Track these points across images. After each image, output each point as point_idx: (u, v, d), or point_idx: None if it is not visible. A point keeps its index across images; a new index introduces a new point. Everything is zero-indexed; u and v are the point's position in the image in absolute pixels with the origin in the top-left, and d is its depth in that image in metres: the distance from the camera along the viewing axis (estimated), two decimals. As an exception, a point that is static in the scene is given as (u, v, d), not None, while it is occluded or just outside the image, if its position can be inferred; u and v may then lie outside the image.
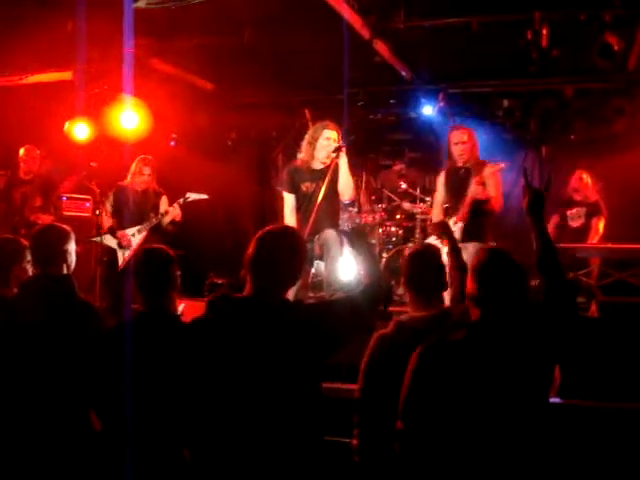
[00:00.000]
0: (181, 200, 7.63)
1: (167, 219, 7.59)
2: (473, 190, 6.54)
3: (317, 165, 6.50)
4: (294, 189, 6.55)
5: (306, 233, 6.15)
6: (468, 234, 6.49)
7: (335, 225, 6.47)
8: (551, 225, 8.16)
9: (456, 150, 6.79)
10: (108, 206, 7.75)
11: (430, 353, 3.01)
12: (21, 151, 8.29)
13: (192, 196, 7.68)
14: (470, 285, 3.06)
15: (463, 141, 6.75)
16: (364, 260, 3.37)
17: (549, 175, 3.37)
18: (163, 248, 3.72)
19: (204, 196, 7.75)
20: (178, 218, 7.61)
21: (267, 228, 3.19)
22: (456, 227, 6.46)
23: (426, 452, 2.94)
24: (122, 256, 7.50)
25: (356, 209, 9.36)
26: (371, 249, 3.43)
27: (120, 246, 7.52)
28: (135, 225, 7.61)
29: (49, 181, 8.45)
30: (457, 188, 6.78)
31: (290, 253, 3.14)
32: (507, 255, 3.10)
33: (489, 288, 3.01)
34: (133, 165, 7.75)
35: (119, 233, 7.56)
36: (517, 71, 8.34)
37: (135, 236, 7.55)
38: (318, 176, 6.42)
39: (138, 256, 3.71)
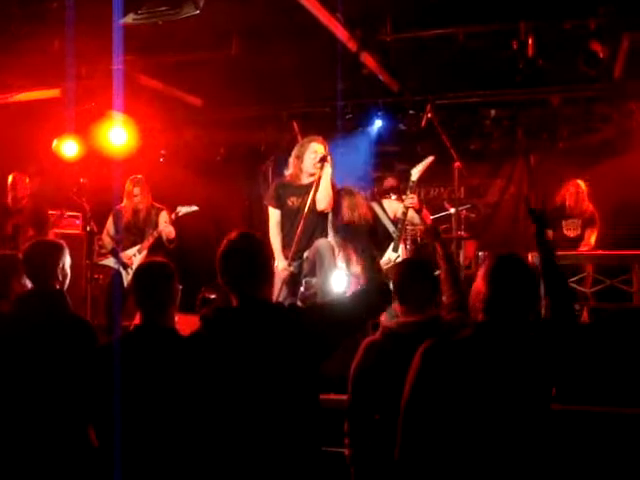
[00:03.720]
0: (173, 216, 7.68)
1: (163, 237, 7.64)
2: None
3: (305, 179, 6.54)
4: (280, 204, 6.58)
5: (292, 250, 6.22)
6: None
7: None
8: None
9: None
10: (110, 229, 7.82)
11: (434, 352, 3.00)
12: (9, 179, 8.26)
13: (182, 210, 7.72)
14: (480, 287, 3.06)
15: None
16: (360, 259, 3.38)
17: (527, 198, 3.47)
18: (163, 262, 3.67)
19: (195, 208, 7.79)
20: (172, 236, 7.65)
21: (224, 241, 3.18)
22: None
23: (428, 452, 2.92)
24: (127, 277, 7.53)
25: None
26: (369, 247, 3.42)
27: (124, 267, 7.56)
28: (135, 245, 7.66)
29: (40, 212, 8.41)
30: None
31: (252, 254, 3.13)
32: (521, 261, 3.13)
33: (499, 291, 3.02)
34: (125, 187, 7.81)
35: (122, 255, 7.60)
36: (504, 81, 8.38)
37: (136, 256, 7.61)
38: (304, 190, 6.44)
39: (138, 270, 3.66)
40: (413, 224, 6.53)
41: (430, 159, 6.39)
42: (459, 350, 2.99)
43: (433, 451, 2.91)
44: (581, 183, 8.35)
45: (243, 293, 3.07)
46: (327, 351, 3.10)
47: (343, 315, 3.13)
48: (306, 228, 6.30)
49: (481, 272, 3.12)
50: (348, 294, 4.04)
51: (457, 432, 2.90)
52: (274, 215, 6.61)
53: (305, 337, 3.00)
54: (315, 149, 6.47)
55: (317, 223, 6.48)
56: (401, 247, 6.29)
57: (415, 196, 6.27)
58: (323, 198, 6.38)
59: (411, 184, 6.31)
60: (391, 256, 6.23)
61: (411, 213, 6.27)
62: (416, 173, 6.33)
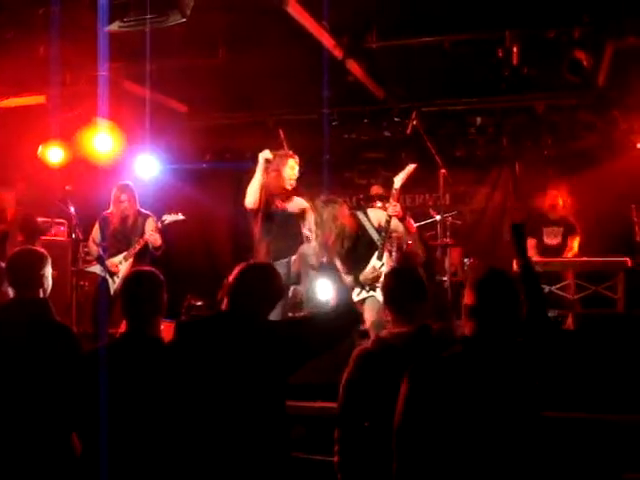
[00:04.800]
0: (159, 224, 7.64)
1: (149, 245, 7.60)
2: None
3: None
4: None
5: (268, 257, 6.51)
6: None
7: (297, 246, 6.62)
8: (530, 247, 8.24)
9: None
10: (96, 236, 7.76)
11: (424, 370, 3.01)
12: None
13: (168, 219, 7.68)
14: (468, 299, 3.08)
15: None
16: (333, 284, 3.46)
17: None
18: (152, 271, 3.67)
19: (180, 217, 7.75)
20: (157, 243, 7.61)
21: (249, 263, 3.43)
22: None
23: (424, 470, 2.92)
24: (112, 284, 7.50)
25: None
26: (338, 275, 3.55)
27: (111, 275, 7.53)
28: (122, 252, 7.61)
29: (29, 219, 8.38)
30: None
31: (265, 287, 3.35)
32: (504, 273, 3.16)
33: (486, 303, 3.03)
34: (112, 193, 7.76)
35: (108, 262, 7.56)
36: (489, 89, 8.43)
37: (122, 264, 7.55)
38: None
39: (127, 278, 3.65)
40: (397, 232, 6.53)
41: (412, 167, 6.40)
42: (450, 367, 3.00)
43: (429, 471, 2.91)
44: (559, 191, 8.50)
45: (235, 306, 3.15)
46: (294, 366, 3.26)
47: (313, 335, 3.29)
48: (283, 237, 6.55)
49: (468, 284, 3.14)
50: (321, 312, 4.14)
51: (454, 450, 2.90)
52: None
53: (273, 350, 3.13)
54: (292, 165, 6.86)
55: (291, 232, 6.77)
56: (385, 255, 6.30)
57: (398, 204, 6.30)
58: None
59: (393, 192, 6.34)
60: (375, 264, 6.23)
61: (395, 222, 6.29)
62: (399, 181, 6.34)
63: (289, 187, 6.81)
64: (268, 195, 6.75)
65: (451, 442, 2.90)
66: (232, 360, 3.03)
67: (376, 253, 6.26)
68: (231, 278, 3.30)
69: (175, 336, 3.23)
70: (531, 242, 8.34)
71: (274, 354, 3.10)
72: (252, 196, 6.74)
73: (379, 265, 6.21)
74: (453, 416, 2.91)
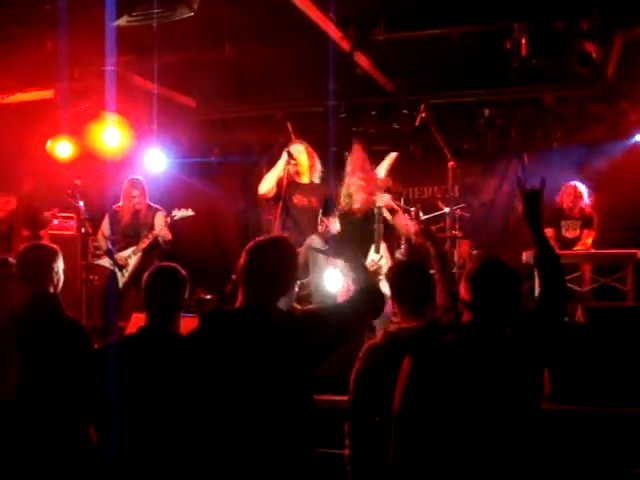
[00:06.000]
0: (168, 219, 7.68)
1: (159, 239, 7.65)
2: None
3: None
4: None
5: None
6: None
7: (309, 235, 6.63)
8: (549, 238, 8.22)
9: None
10: (105, 230, 7.81)
11: (422, 356, 3.03)
12: None
13: (178, 214, 7.72)
14: (463, 290, 3.08)
15: None
16: (352, 268, 3.40)
17: (543, 180, 3.36)
18: (176, 267, 3.63)
19: (190, 213, 7.79)
20: (168, 238, 7.68)
21: (257, 239, 3.22)
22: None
23: (419, 456, 2.93)
24: (121, 277, 7.55)
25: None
26: (358, 256, 3.46)
27: (119, 268, 7.57)
28: (131, 246, 7.66)
29: (34, 212, 8.42)
30: None
31: (280, 263, 3.15)
32: (501, 262, 3.14)
33: (482, 293, 3.04)
34: (123, 188, 7.82)
35: (117, 255, 7.61)
36: (497, 80, 8.39)
37: (131, 257, 7.62)
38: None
39: (150, 273, 3.60)
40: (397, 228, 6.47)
41: (393, 155, 6.40)
42: (444, 352, 3.01)
43: (425, 455, 2.92)
44: (579, 185, 8.42)
45: (252, 295, 3.10)
46: (321, 356, 3.13)
47: (338, 322, 3.15)
48: (296, 225, 6.68)
49: (463, 276, 3.14)
50: (342, 298, 4.06)
51: (448, 436, 2.91)
52: None
53: (299, 342, 3.02)
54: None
55: (306, 220, 6.80)
56: (382, 248, 6.24)
57: (386, 195, 6.25)
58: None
59: (379, 183, 6.30)
60: (374, 258, 6.17)
61: (388, 214, 6.27)
62: (382, 171, 6.31)
63: (308, 181, 6.94)
64: (288, 188, 6.77)
65: (445, 427, 2.92)
66: (257, 352, 2.98)
67: (373, 246, 6.22)
68: (241, 261, 3.16)
69: (199, 327, 3.18)
70: (549, 232, 8.31)
71: (299, 343, 3.02)
72: (267, 183, 6.79)
73: (377, 258, 6.15)
74: (446, 401, 2.92)
